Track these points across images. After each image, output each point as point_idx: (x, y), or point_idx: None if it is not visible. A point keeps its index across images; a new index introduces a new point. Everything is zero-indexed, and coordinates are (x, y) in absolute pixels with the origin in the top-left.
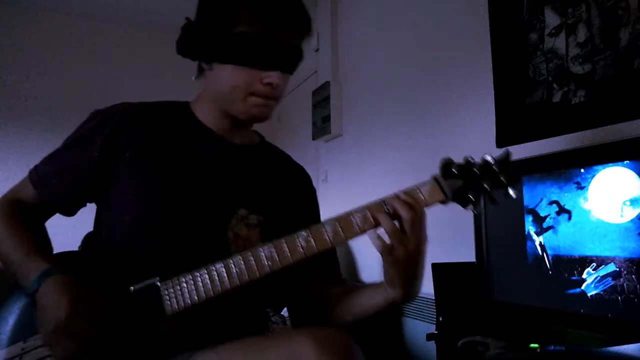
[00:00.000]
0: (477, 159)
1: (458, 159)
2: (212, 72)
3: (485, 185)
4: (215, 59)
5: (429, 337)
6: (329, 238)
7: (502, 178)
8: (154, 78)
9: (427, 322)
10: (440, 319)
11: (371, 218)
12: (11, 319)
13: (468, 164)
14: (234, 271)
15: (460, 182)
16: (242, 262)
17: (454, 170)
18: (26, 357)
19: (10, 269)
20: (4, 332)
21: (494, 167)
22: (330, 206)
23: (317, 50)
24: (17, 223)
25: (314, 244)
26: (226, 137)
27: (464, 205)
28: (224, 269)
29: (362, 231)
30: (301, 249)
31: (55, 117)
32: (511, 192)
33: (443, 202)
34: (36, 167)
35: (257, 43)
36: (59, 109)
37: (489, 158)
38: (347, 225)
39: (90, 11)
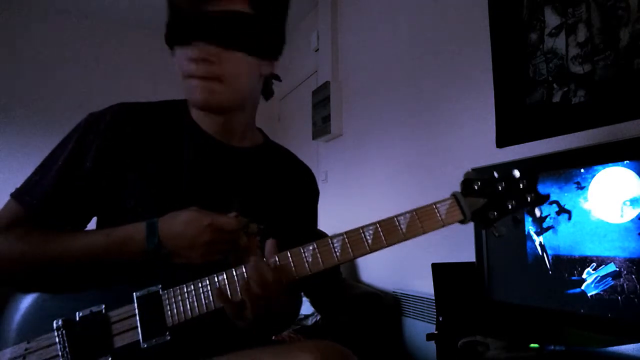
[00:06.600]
0: (501, 174)
1: (458, 158)
2: None
3: (509, 205)
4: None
5: (429, 337)
6: (337, 255)
7: (528, 197)
8: (155, 79)
9: (427, 322)
10: (440, 319)
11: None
12: (15, 320)
13: (492, 180)
14: (238, 285)
15: (482, 201)
16: (238, 278)
17: (475, 187)
18: (30, 358)
19: (98, 255)
20: (6, 332)
21: (520, 184)
22: (330, 206)
23: (317, 50)
24: (47, 233)
25: (320, 259)
26: (224, 140)
27: (485, 227)
28: (226, 281)
29: (372, 250)
30: (307, 265)
31: (57, 118)
32: (537, 212)
33: (462, 222)
34: (18, 188)
35: (172, 16)
36: (61, 110)
37: (516, 174)
38: (356, 241)
39: (91, 12)
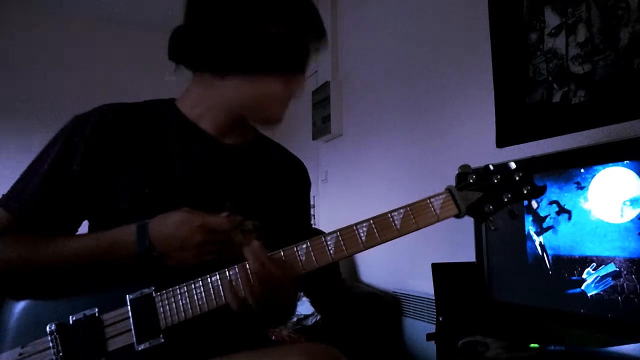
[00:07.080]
0: (496, 166)
1: (458, 158)
2: (224, 82)
3: (505, 198)
4: (239, 68)
5: (429, 337)
6: (330, 253)
7: (524, 190)
8: (155, 79)
9: (427, 322)
10: (440, 319)
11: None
12: (9, 324)
13: (487, 172)
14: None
15: (477, 194)
16: (240, 274)
17: (470, 180)
18: None
19: (89, 258)
20: (0, 336)
21: (516, 176)
22: (330, 206)
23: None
24: (37, 238)
25: (314, 258)
26: (217, 137)
27: (481, 221)
28: (219, 281)
29: (366, 247)
30: (301, 264)
31: (57, 118)
32: (534, 205)
33: (457, 216)
34: (5, 194)
35: (295, 44)
36: (60, 110)
37: (512, 166)
38: (350, 238)
39: (90, 11)
